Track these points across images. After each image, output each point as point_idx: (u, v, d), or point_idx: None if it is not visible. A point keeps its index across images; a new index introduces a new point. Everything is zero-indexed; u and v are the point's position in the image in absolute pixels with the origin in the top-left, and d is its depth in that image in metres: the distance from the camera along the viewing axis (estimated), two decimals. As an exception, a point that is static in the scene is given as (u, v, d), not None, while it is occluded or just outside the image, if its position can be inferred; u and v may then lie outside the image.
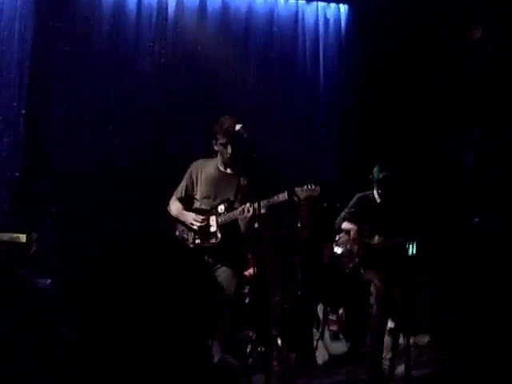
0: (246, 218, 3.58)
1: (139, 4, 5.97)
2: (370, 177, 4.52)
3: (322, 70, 6.49)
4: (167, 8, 6.04)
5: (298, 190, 3.68)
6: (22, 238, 3.55)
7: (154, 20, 6.01)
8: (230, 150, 3.71)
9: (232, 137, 3.67)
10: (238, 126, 3.69)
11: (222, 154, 3.79)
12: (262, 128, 5.82)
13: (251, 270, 5.03)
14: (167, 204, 4.01)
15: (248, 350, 4.58)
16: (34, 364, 3.33)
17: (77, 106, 5.66)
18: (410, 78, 6.01)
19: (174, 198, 3.97)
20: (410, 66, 6.00)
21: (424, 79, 5.96)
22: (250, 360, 4.51)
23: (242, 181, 3.77)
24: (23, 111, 5.37)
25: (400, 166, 4.74)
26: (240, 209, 3.64)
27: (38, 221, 5.13)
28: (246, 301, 4.90)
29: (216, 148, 3.81)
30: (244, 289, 4.95)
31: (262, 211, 3.38)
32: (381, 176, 4.43)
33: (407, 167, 5.25)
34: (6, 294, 3.44)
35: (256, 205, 3.41)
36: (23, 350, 3.29)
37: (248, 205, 3.57)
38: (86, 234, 5.24)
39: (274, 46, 6.37)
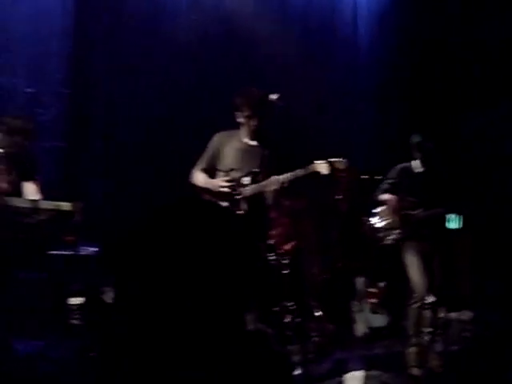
0: (271, 190, 3.60)
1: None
2: (411, 145, 4.40)
3: (362, 37, 6.33)
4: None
5: (318, 163, 3.73)
6: (67, 206, 3.60)
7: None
8: (255, 121, 3.70)
9: (257, 108, 3.66)
10: (273, 96, 3.66)
11: (247, 126, 3.76)
12: (301, 99, 5.74)
13: (291, 244, 5.03)
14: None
15: (286, 321, 4.60)
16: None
17: (118, 76, 5.71)
18: (452, 46, 5.80)
19: (196, 168, 3.96)
20: (452, 34, 5.79)
21: (467, 47, 5.75)
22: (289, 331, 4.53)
23: (267, 152, 3.76)
24: (66, 82, 5.46)
25: (442, 136, 4.62)
26: (266, 181, 3.64)
27: (83, 190, 5.26)
28: (286, 272, 4.89)
29: (240, 120, 3.79)
30: (284, 259, 4.95)
31: (285, 184, 3.52)
32: (422, 143, 4.32)
33: (449, 137, 5.11)
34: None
35: (282, 177, 3.57)
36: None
37: (274, 177, 3.57)
38: (130, 202, 5.33)
39: (313, 13, 6.25)
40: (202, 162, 3.93)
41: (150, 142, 5.65)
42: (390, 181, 4.54)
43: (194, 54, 5.95)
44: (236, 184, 3.76)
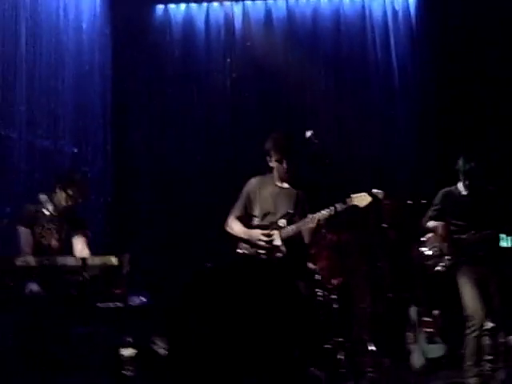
0: (309, 228, 3.64)
1: (207, 22, 6.20)
2: (456, 167, 4.34)
3: (395, 64, 6.31)
4: (234, 22, 6.19)
5: (355, 196, 3.72)
6: (114, 260, 3.71)
7: (222, 36, 6.18)
8: (285, 165, 3.76)
9: (284, 152, 3.73)
10: (308, 133, 3.71)
11: (277, 170, 3.83)
12: (338, 132, 5.77)
13: (339, 279, 4.98)
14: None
15: (339, 358, 4.53)
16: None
17: (157, 130, 5.93)
18: (486, 64, 5.70)
19: (232, 217, 3.98)
20: (484, 52, 5.70)
21: (500, 65, 5.63)
22: (343, 369, 4.45)
23: (300, 193, 3.79)
24: (109, 139, 5.71)
25: (485, 157, 4.52)
26: (302, 221, 3.69)
27: (130, 242, 5.42)
28: (335, 307, 4.84)
29: (271, 164, 3.86)
30: (333, 294, 4.91)
31: (321, 222, 3.59)
32: (467, 167, 4.25)
33: (492, 157, 4.98)
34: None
35: (318, 215, 3.60)
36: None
37: (311, 216, 3.62)
38: (175, 253, 5.45)
39: (343, 46, 6.31)
40: (237, 209, 3.98)
41: (194, 191, 5.79)
42: (435, 207, 4.47)
43: (230, 99, 6.11)
44: (273, 227, 3.79)
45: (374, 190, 3.89)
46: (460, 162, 4.31)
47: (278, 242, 3.75)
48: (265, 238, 3.75)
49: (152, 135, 5.93)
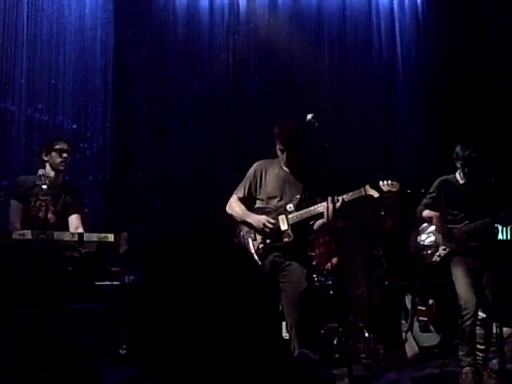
0: (334, 207, 3.45)
1: (211, 3, 6.09)
2: (454, 156, 4.30)
3: (399, 51, 6.27)
4: (238, 4, 6.11)
5: (370, 186, 3.66)
6: (110, 237, 3.68)
7: (226, 17, 6.11)
8: (285, 158, 3.68)
9: (290, 141, 3.64)
10: (309, 116, 3.65)
11: (283, 156, 3.73)
12: (340, 117, 5.75)
13: (334, 261, 4.99)
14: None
15: (334, 343, 4.55)
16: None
17: (158, 108, 5.89)
18: (491, 53, 5.67)
19: (234, 197, 3.87)
20: (490, 40, 5.67)
21: (506, 53, 5.60)
22: (337, 353, 4.47)
23: (308, 179, 3.70)
24: (109, 116, 5.67)
25: (484, 146, 4.48)
26: (323, 203, 3.58)
27: (129, 220, 5.40)
28: (330, 292, 4.86)
29: (278, 150, 3.76)
30: (328, 280, 4.92)
31: (337, 207, 3.44)
32: (465, 153, 4.20)
33: (492, 147, 4.96)
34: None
35: (343, 196, 3.54)
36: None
37: (331, 198, 3.48)
38: (173, 232, 5.42)
39: (348, 32, 6.25)
40: (241, 191, 3.85)
41: (193, 171, 5.76)
42: (431, 195, 4.43)
43: (233, 80, 6.07)
44: (279, 212, 3.71)
45: (390, 183, 3.77)
46: (457, 150, 4.24)
47: (284, 226, 3.68)
48: (271, 225, 3.65)
49: (152, 114, 5.88)
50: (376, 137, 6.10)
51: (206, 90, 6.00)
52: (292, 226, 3.67)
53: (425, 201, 4.41)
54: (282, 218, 3.69)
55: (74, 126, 5.48)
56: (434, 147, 5.86)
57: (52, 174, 4.02)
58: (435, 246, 4.30)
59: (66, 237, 3.56)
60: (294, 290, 3.56)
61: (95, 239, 3.63)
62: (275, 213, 3.72)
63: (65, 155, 4.01)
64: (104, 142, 5.63)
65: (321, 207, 3.59)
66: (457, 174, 4.32)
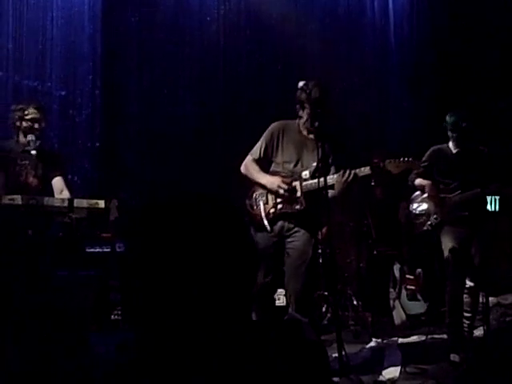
0: (346, 182, 3.43)
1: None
2: (444, 124, 4.29)
3: (392, 22, 6.23)
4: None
5: (390, 162, 3.53)
6: (101, 203, 3.65)
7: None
8: (309, 122, 3.56)
9: (317, 108, 3.50)
10: (301, 83, 3.55)
11: (305, 121, 3.60)
12: (332, 86, 5.70)
13: (324, 230, 5.02)
14: (240, 164, 3.80)
15: (323, 310, 4.61)
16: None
17: (148, 75, 5.81)
18: (484, 24, 5.64)
19: (250, 158, 3.75)
20: (484, 13, 5.63)
21: (499, 25, 5.58)
22: (325, 320, 4.54)
23: (326, 148, 3.53)
24: (98, 83, 5.58)
25: (477, 116, 4.47)
26: (341, 173, 3.47)
27: (119, 187, 5.37)
28: (320, 261, 4.89)
29: (300, 114, 3.63)
30: (318, 249, 4.95)
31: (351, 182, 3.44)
32: (455, 122, 4.19)
33: (486, 117, 4.96)
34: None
35: (355, 170, 3.43)
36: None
37: (350, 170, 3.44)
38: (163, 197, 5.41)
39: (341, 1, 6.18)
40: (257, 152, 3.72)
41: (183, 138, 5.72)
42: (423, 164, 4.41)
43: (223, 47, 5.99)
44: (294, 178, 3.62)
45: (404, 159, 3.66)
46: (447, 118, 4.23)
47: (298, 193, 3.59)
48: (285, 187, 3.57)
49: (142, 80, 5.80)
50: (368, 107, 6.08)
51: (196, 56, 5.92)
52: (305, 193, 3.57)
53: (417, 170, 4.41)
54: (296, 184, 3.60)
55: (63, 93, 5.39)
56: (426, 117, 5.86)
57: (25, 137, 3.79)
58: (427, 214, 4.32)
59: (56, 202, 3.53)
60: (298, 257, 3.55)
61: (85, 205, 3.60)
62: (290, 178, 3.63)
63: (36, 126, 3.83)
64: (93, 109, 5.55)
65: (333, 179, 3.49)
66: (450, 144, 4.32)
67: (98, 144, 5.50)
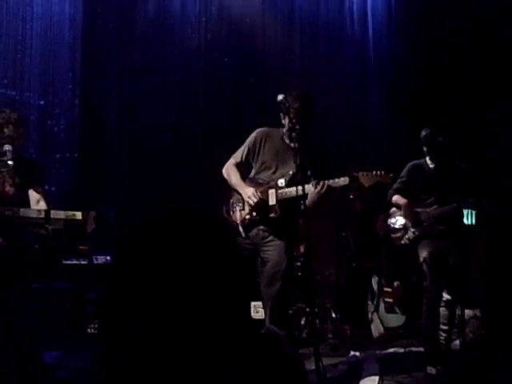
0: (319, 193, 3.46)
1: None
2: (421, 140, 4.35)
3: (371, 35, 6.32)
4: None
5: (362, 174, 3.58)
6: (78, 215, 3.61)
7: (199, -5, 6.02)
8: (291, 130, 3.57)
9: (301, 116, 3.55)
10: (280, 96, 3.55)
11: (288, 128, 3.61)
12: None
13: (303, 244, 5.03)
14: (222, 167, 3.85)
15: (302, 323, 4.61)
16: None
17: (127, 85, 5.79)
18: (461, 38, 5.75)
19: (232, 161, 3.83)
20: (460, 26, 5.74)
21: (476, 38, 5.69)
22: (304, 333, 4.53)
23: (306, 157, 3.53)
24: (77, 93, 5.54)
25: (453, 130, 4.55)
26: (314, 183, 3.51)
27: (97, 199, 5.32)
28: (299, 274, 4.90)
29: (283, 121, 3.66)
30: (296, 262, 4.96)
31: (323, 192, 3.45)
32: (431, 137, 4.25)
33: (461, 132, 5.04)
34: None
35: (329, 182, 3.45)
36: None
37: (324, 182, 3.47)
38: (141, 210, 5.38)
39: (321, 13, 6.27)
40: (238, 156, 3.81)
41: (163, 147, 5.70)
42: (401, 179, 4.49)
43: (204, 58, 6.01)
44: (270, 185, 3.66)
45: (378, 173, 3.66)
46: (423, 133, 4.30)
47: (272, 201, 3.62)
48: (255, 200, 3.60)
49: (122, 91, 5.77)
50: (346, 119, 6.14)
51: (176, 67, 5.93)
52: (280, 201, 3.61)
53: (395, 185, 4.47)
54: (271, 192, 3.64)
55: (42, 103, 5.34)
56: (404, 130, 5.93)
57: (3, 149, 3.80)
58: (404, 229, 4.38)
59: (33, 213, 3.48)
60: (273, 266, 3.56)
61: (62, 217, 3.55)
62: (266, 186, 3.67)
63: (15, 142, 3.70)
64: (72, 119, 5.50)
65: (307, 189, 3.46)
66: (427, 159, 4.39)
67: (76, 154, 5.45)
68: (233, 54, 6.02)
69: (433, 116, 5.47)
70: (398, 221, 4.49)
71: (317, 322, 4.35)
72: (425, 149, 4.33)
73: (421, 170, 4.41)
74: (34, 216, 3.48)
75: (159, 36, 5.91)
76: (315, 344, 3.29)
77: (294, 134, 3.59)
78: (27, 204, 3.78)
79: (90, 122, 5.60)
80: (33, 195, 3.89)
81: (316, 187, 3.48)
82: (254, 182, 3.73)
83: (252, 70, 5.99)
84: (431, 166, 4.36)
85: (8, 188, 3.76)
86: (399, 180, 4.50)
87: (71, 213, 3.58)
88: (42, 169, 4.19)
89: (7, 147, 3.71)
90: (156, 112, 5.79)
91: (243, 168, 3.81)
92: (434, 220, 4.26)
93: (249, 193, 3.66)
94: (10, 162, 3.68)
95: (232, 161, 3.83)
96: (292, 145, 3.68)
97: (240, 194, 3.72)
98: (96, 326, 3.99)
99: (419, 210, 4.33)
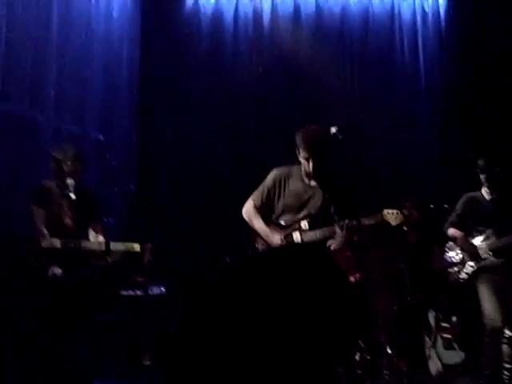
0: (346, 231, 3.39)
1: (236, 16, 6.20)
2: (478, 170, 4.27)
3: (422, 66, 6.28)
4: (262, 17, 6.19)
5: (387, 213, 3.50)
6: (136, 247, 3.73)
7: (250, 31, 6.19)
8: (311, 166, 3.50)
9: (315, 149, 3.47)
10: (333, 129, 3.60)
11: (306, 166, 3.55)
12: (362, 131, 5.74)
13: (357, 276, 4.96)
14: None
15: (357, 359, 4.50)
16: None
17: (183, 121, 5.96)
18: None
19: (251, 204, 3.73)
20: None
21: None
22: (359, 369, 4.43)
23: (327, 197, 3.51)
24: (135, 129, 5.74)
25: (510, 160, 4.44)
26: (330, 229, 3.47)
27: (153, 231, 5.43)
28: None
29: (300, 159, 3.59)
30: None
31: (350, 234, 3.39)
32: (489, 167, 4.17)
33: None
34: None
35: (353, 222, 3.37)
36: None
37: (346, 222, 3.40)
38: (197, 244, 5.45)
39: (371, 45, 6.29)
40: (258, 198, 3.70)
41: (217, 182, 5.79)
42: (457, 212, 4.41)
43: (256, 94, 6.12)
44: (294, 228, 3.58)
45: (408, 208, 3.61)
46: (480, 163, 4.23)
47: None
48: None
49: (177, 126, 5.95)
50: (399, 150, 6.07)
51: (229, 102, 6.06)
52: None
53: (450, 219, 4.40)
54: (296, 235, 3.57)
55: (101, 138, 5.55)
56: (458, 161, 5.81)
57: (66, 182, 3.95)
58: (462, 263, 4.27)
59: (94, 245, 3.61)
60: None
61: (122, 248, 3.67)
62: (290, 229, 3.59)
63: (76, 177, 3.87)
64: (129, 154, 5.70)
65: (335, 229, 3.44)
66: (483, 190, 4.31)
67: (133, 187, 5.61)
68: (284, 88, 6.12)
69: (488, 147, 5.36)
70: (456, 255, 4.40)
71: (372, 357, 4.26)
72: (482, 178, 4.25)
73: (476, 201, 4.33)
74: (96, 248, 3.61)
75: (213, 71, 6.08)
76: (372, 380, 3.21)
77: (310, 173, 3.52)
78: (85, 236, 3.91)
79: (147, 156, 5.78)
80: (91, 228, 4.02)
81: (341, 227, 3.40)
82: (277, 225, 3.65)
83: (303, 102, 6.04)
84: (488, 197, 4.28)
85: (67, 220, 3.88)
86: (454, 213, 4.43)
87: (130, 244, 3.69)
88: (100, 201, 4.33)
89: (70, 181, 3.86)
90: (210, 147, 5.91)
91: (263, 210, 3.69)
92: (492, 253, 4.15)
93: (275, 240, 3.57)
94: (72, 196, 3.84)
95: (251, 203, 3.73)
96: (312, 183, 3.61)
97: (266, 241, 3.63)
98: (151, 357, 4.03)
99: (477, 243, 4.23)
